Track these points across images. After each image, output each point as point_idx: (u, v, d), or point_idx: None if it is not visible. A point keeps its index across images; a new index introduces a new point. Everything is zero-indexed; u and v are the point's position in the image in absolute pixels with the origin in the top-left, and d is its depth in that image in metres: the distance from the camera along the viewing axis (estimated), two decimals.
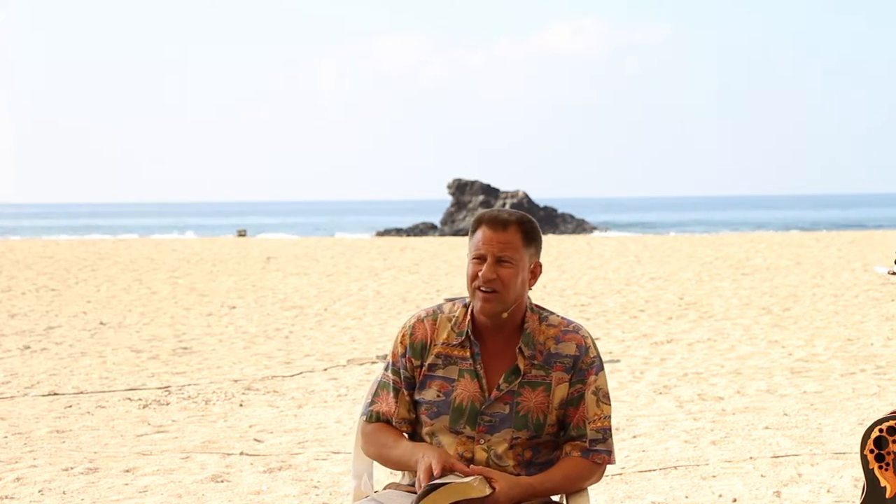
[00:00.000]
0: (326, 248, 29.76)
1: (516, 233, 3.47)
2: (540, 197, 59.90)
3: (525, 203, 54.62)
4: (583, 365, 3.52)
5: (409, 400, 3.58)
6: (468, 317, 3.54)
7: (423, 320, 3.59)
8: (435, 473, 3.34)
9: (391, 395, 3.59)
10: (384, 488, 3.64)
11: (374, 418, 3.61)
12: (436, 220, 58.66)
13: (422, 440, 3.58)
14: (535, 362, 3.51)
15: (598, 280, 19.32)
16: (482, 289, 3.46)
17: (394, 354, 3.60)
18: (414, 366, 3.57)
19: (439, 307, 3.62)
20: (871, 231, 40.78)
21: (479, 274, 3.45)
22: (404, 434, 3.61)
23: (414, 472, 3.49)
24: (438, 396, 3.53)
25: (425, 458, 3.40)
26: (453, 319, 3.57)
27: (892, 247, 26.20)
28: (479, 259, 3.47)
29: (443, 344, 3.55)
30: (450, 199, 56.92)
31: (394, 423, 3.59)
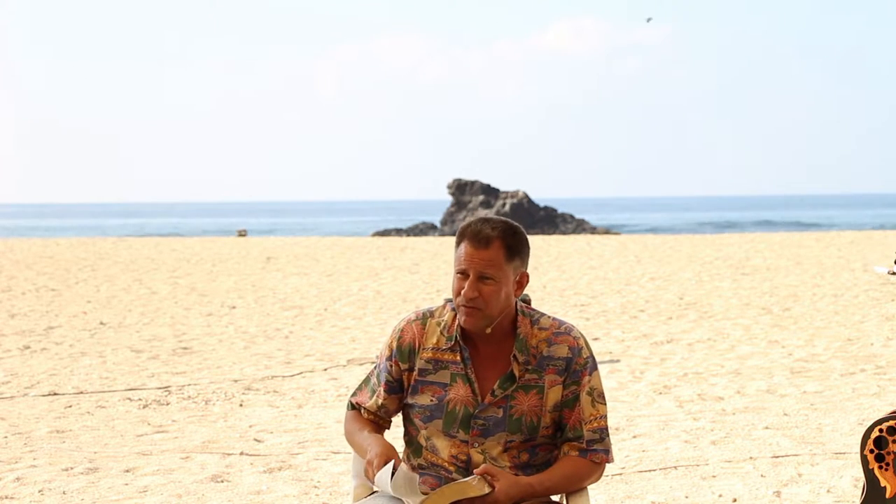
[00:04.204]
0: (326, 248, 29.74)
1: (499, 249, 3.46)
2: (540, 197, 59.91)
3: (525, 203, 54.57)
4: (576, 366, 3.52)
5: (384, 402, 3.63)
6: (457, 321, 3.55)
7: (412, 323, 3.61)
8: (375, 468, 3.40)
9: (368, 390, 3.68)
10: None
11: (350, 407, 3.74)
12: (436, 220, 58.69)
13: (410, 437, 3.62)
14: (529, 366, 3.51)
15: (598, 280, 19.31)
16: (464, 305, 3.47)
17: (381, 356, 3.65)
18: (401, 369, 3.59)
19: (430, 311, 3.63)
20: (871, 231, 40.75)
21: (462, 292, 3.46)
22: (371, 423, 3.67)
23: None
24: (432, 401, 3.54)
25: (369, 452, 3.48)
26: (442, 324, 3.58)
27: (892, 247, 26.18)
28: (462, 274, 3.49)
29: (432, 349, 3.56)
30: (450, 199, 56.92)
31: (363, 413, 3.68)
